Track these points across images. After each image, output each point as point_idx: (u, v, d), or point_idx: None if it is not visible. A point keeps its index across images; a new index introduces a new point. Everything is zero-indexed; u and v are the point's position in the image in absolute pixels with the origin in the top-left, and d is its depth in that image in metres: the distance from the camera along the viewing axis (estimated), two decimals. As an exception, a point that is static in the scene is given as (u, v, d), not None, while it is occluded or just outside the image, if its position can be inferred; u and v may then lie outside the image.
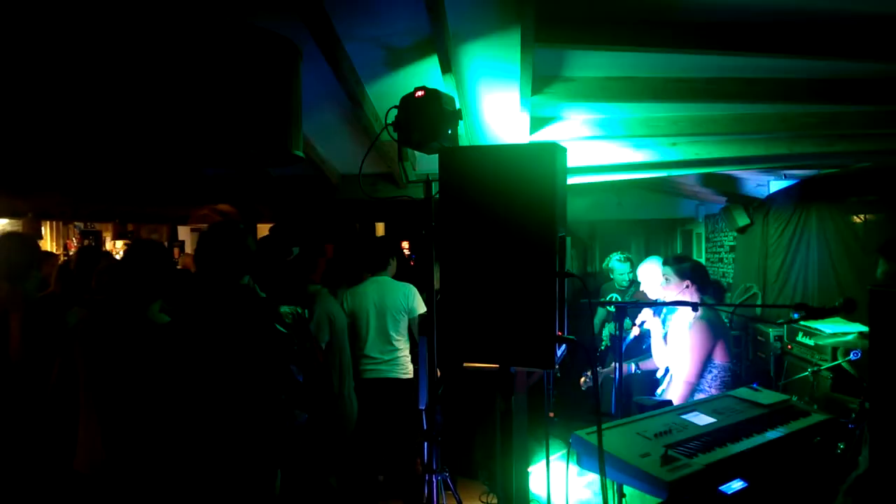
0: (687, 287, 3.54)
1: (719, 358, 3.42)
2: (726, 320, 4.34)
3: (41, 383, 2.87)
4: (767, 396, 2.81)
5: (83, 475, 2.54)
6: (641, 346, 4.46)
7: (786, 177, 5.52)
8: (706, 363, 3.42)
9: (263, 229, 7.45)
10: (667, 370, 3.81)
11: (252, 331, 2.43)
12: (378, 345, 4.07)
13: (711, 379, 3.38)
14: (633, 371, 4.37)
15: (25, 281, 2.92)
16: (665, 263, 3.73)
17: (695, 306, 2.94)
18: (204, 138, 2.22)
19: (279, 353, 2.45)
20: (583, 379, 4.38)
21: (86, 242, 10.38)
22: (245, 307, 2.47)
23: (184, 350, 2.46)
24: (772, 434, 2.44)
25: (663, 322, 3.90)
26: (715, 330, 3.44)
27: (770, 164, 4.57)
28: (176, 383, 2.45)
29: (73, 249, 10.12)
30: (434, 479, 2.89)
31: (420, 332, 4.05)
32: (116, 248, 10.81)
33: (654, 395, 4.18)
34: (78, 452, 2.58)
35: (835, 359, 3.84)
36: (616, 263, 5.31)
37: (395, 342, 4.08)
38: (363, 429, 4.02)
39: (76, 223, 10.14)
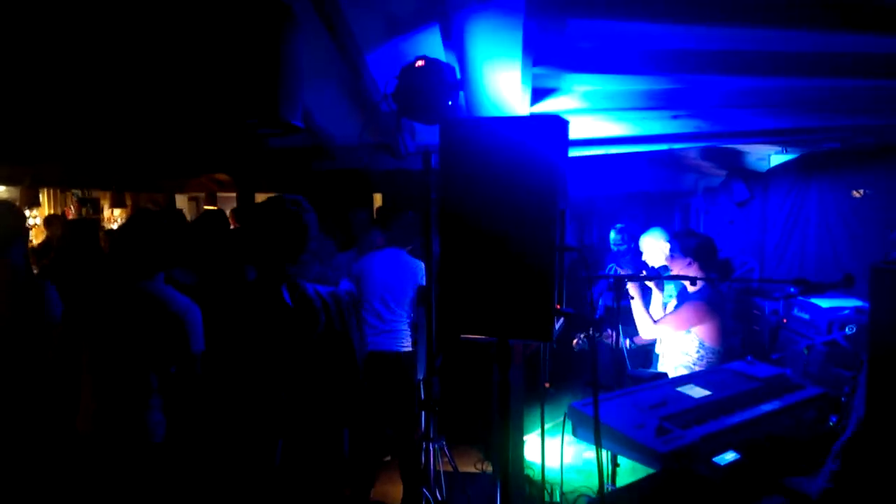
0: (690, 264, 3.50)
1: (709, 340, 3.41)
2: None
3: (42, 351, 2.89)
4: (762, 370, 2.85)
5: (85, 435, 2.57)
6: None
7: (787, 151, 5.49)
8: (683, 330, 3.46)
9: (262, 198, 7.43)
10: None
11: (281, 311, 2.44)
12: (378, 313, 4.08)
13: (699, 359, 3.40)
14: (627, 346, 4.41)
15: (10, 248, 2.91)
16: (674, 237, 3.67)
17: (693, 280, 2.95)
18: (199, 106, 2.20)
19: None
20: (575, 341, 4.41)
21: (83, 210, 10.35)
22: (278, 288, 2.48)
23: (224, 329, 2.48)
24: (765, 407, 2.47)
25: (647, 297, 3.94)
26: (710, 308, 3.43)
27: (773, 137, 4.54)
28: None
29: (71, 217, 10.10)
30: (431, 448, 2.94)
31: (418, 303, 4.06)
32: (114, 215, 10.79)
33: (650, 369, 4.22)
34: (80, 414, 2.61)
35: (830, 333, 3.86)
36: (612, 233, 5.53)
37: (395, 314, 4.09)
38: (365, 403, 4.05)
39: (74, 190, 10.09)
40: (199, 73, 2.13)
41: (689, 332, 3.44)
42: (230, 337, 2.49)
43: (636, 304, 3.67)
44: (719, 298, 3.52)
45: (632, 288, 3.76)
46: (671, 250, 3.61)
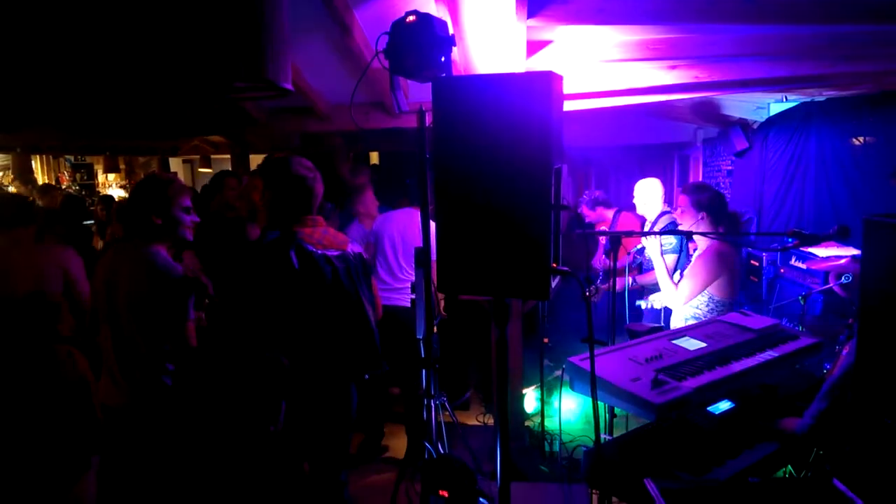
0: (702, 219, 3.44)
1: (718, 294, 3.40)
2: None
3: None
4: (757, 321, 2.88)
5: (109, 407, 2.60)
6: (635, 264, 4.55)
7: (786, 99, 5.43)
8: (703, 290, 3.41)
9: (257, 159, 7.37)
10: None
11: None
12: (391, 269, 4.15)
13: (708, 311, 3.38)
14: (629, 284, 4.43)
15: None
16: (684, 192, 3.58)
17: (689, 235, 2.94)
18: (184, 69, 2.15)
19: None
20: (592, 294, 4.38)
21: (77, 176, 10.28)
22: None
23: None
24: (760, 357, 2.51)
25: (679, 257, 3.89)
26: (723, 262, 3.39)
27: (772, 86, 4.48)
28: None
29: (64, 183, 10.05)
30: (432, 404, 2.99)
31: (416, 264, 4.09)
32: (108, 181, 10.73)
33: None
34: (101, 385, 2.64)
35: (826, 282, 3.89)
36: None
37: (407, 272, 4.15)
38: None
39: (67, 157, 10.01)
40: (181, 32, 2.08)
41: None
42: (238, 298, 2.50)
43: (659, 271, 3.61)
44: (730, 249, 3.45)
45: (652, 252, 3.68)
46: (682, 204, 3.54)
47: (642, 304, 4.27)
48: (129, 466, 2.60)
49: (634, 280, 4.46)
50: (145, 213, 2.56)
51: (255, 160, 7.27)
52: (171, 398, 2.53)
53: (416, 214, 4.14)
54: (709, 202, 3.44)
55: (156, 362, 2.50)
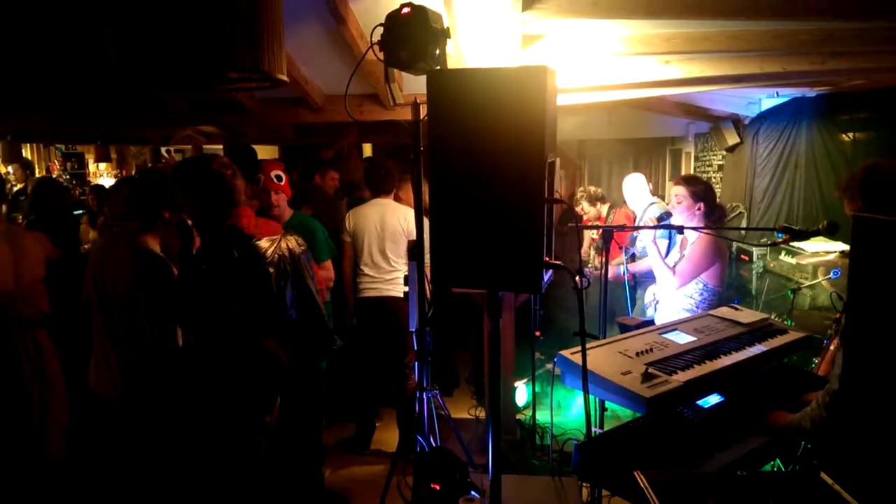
0: (699, 209, 3.53)
1: (712, 281, 3.48)
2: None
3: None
4: (747, 315, 2.90)
5: (100, 395, 2.59)
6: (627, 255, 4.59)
7: (778, 95, 5.46)
8: (699, 275, 3.48)
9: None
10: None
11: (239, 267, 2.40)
12: (377, 265, 4.14)
13: (701, 301, 3.46)
14: (621, 273, 4.46)
15: None
16: (677, 184, 3.66)
17: (680, 230, 2.96)
18: (178, 58, 2.14)
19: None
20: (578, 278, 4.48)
21: (68, 165, 10.20)
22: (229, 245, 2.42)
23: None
24: (749, 351, 2.53)
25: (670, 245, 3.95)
26: (718, 250, 3.50)
27: (764, 82, 4.50)
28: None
29: (55, 172, 9.97)
30: (424, 396, 3.00)
31: (409, 256, 4.09)
32: (100, 169, 10.64)
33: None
34: (91, 372, 2.63)
35: (815, 277, 3.93)
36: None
37: (394, 263, 4.15)
38: (363, 345, 4.16)
39: (58, 145, 9.91)
40: (175, 21, 2.06)
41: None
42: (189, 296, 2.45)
43: (654, 257, 3.66)
44: (723, 240, 3.59)
45: (646, 239, 3.75)
46: (679, 196, 3.59)
47: (648, 299, 4.27)
48: (121, 455, 2.60)
49: (626, 269, 4.50)
50: (157, 206, 2.55)
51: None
52: (163, 389, 2.53)
53: (388, 203, 4.16)
54: (704, 193, 3.55)
55: (146, 353, 2.49)
